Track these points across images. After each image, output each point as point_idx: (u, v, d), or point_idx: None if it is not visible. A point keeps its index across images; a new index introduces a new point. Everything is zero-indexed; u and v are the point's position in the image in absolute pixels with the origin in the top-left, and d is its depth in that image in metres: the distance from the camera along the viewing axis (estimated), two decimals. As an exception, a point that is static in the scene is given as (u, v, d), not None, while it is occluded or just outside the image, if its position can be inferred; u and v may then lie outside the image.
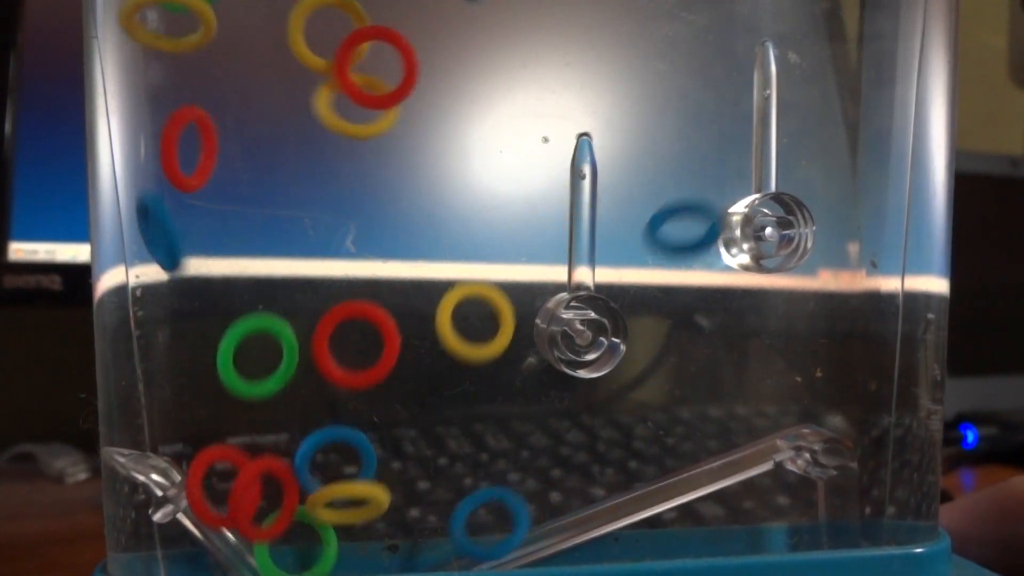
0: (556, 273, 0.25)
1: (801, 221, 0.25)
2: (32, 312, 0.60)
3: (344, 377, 0.22)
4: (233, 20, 0.23)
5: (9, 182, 0.50)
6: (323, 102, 0.22)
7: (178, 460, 0.23)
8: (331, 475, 0.23)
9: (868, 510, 0.27)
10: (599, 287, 0.25)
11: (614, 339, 0.24)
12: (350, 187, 0.25)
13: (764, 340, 0.27)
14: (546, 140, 0.25)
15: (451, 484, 0.27)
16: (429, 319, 0.23)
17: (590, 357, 0.24)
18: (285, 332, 0.22)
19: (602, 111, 0.25)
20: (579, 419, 0.31)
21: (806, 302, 0.27)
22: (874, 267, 0.27)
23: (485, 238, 0.25)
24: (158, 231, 0.23)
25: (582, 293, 0.25)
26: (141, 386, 0.23)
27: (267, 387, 0.22)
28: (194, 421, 0.23)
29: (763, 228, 0.25)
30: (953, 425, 0.63)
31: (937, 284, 0.26)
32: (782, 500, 0.28)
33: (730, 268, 0.26)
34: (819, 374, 0.27)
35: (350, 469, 0.23)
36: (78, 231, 0.52)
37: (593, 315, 0.24)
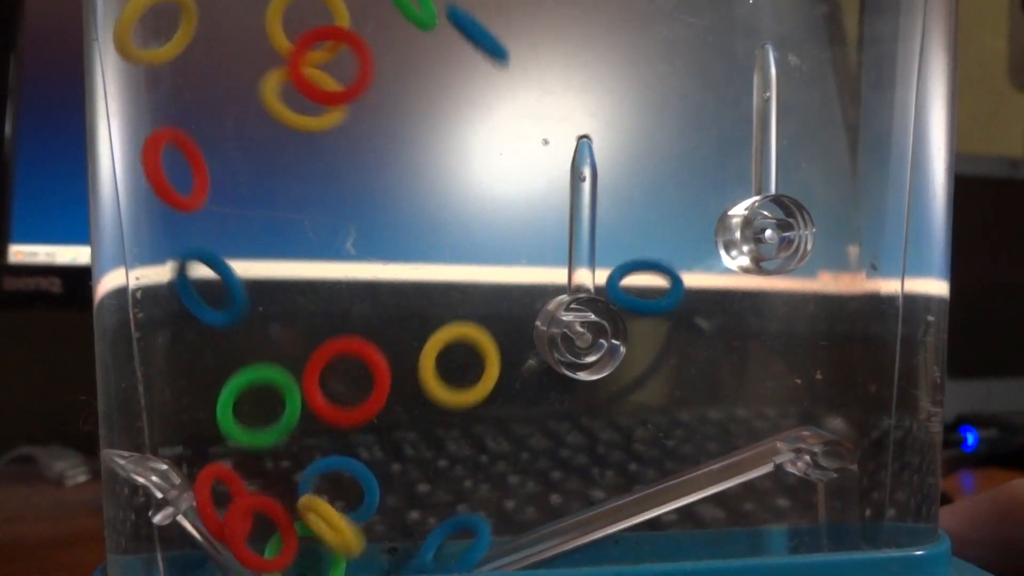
0: (556, 275, 0.25)
1: (801, 223, 0.25)
2: (32, 314, 0.60)
3: (335, 415, 0.22)
4: (233, 20, 0.23)
5: (9, 184, 0.50)
6: (270, 87, 0.22)
7: (178, 462, 0.23)
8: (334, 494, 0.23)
9: (868, 512, 0.27)
10: (599, 289, 0.25)
11: (614, 341, 0.24)
12: (350, 190, 0.25)
13: (764, 342, 0.27)
14: (546, 142, 0.25)
15: (451, 486, 0.27)
16: (418, 350, 0.23)
17: (590, 359, 0.24)
18: (287, 383, 0.22)
19: (602, 113, 0.25)
20: (579, 421, 0.31)
21: (806, 304, 0.27)
22: (874, 269, 0.27)
23: (485, 240, 0.25)
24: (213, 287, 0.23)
25: (582, 295, 0.25)
26: (141, 388, 0.23)
27: (268, 438, 0.22)
28: (194, 423, 0.23)
29: (763, 230, 0.25)
30: (953, 427, 0.63)
31: (937, 286, 0.26)
32: (782, 502, 0.28)
33: (730, 270, 0.26)
34: (819, 376, 0.27)
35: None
36: (78, 233, 0.52)
37: (593, 317, 0.24)
